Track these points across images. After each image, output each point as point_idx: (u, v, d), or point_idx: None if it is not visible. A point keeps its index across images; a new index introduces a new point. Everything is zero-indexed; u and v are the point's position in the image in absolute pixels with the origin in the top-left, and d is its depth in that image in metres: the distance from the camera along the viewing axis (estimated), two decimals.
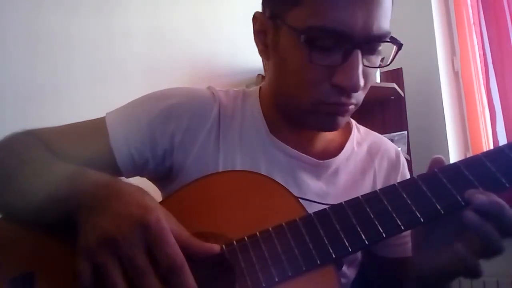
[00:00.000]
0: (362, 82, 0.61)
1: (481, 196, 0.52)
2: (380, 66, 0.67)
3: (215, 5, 2.05)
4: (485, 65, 2.24)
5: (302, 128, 0.73)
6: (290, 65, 0.64)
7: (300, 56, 0.62)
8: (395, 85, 2.12)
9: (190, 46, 1.92)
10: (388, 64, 0.67)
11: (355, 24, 0.58)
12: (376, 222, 0.54)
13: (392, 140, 2.13)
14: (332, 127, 0.69)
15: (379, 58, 0.66)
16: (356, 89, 0.61)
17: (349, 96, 0.63)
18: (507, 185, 0.54)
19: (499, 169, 0.55)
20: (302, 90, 0.64)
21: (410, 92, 2.27)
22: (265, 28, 0.68)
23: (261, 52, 0.71)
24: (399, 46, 0.65)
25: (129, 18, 1.68)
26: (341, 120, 0.67)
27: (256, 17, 0.70)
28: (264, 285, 0.51)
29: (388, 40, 0.63)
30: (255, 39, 0.71)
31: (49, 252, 0.56)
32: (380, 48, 0.64)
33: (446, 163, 0.58)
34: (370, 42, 0.61)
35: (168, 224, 0.50)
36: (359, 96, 0.66)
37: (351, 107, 0.66)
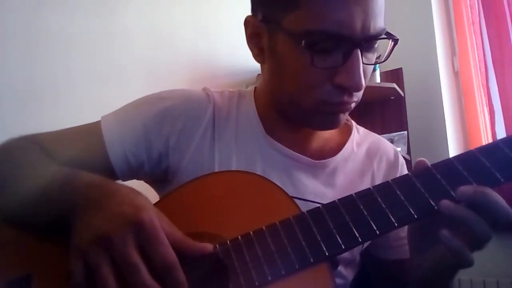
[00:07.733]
0: (363, 81, 0.62)
1: (463, 188, 0.52)
2: (376, 63, 0.68)
3: (215, 5, 2.04)
4: (484, 65, 2.24)
5: (300, 127, 0.73)
6: (289, 69, 0.64)
7: (300, 60, 0.62)
8: (395, 85, 2.12)
9: (190, 46, 1.91)
10: (385, 60, 0.67)
11: (354, 25, 0.59)
12: (369, 219, 0.54)
13: (392, 140, 2.13)
14: (334, 125, 0.69)
15: (375, 54, 0.66)
16: (359, 88, 0.62)
17: (351, 95, 0.64)
18: (502, 180, 0.54)
19: (493, 163, 0.55)
20: (304, 92, 0.64)
21: (410, 92, 2.27)
22: (259, 32, 0.68)
23: (256, 56, 0.71)
24: (395, 41, 0.65)
25: (129, 18, 1.68)
26: (342, 117, 0.68)
27: (248, 21, 0.69)
28: (257, 283, 0.51)
29: (385, 36, 0.64)
30: (248, 43, 0.71)
31: (46, 253, 0.56)
32: (376, 45, 0.65)
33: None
34: (368, 40, 0.61)
35: (160, 224, 0.50)
36: (359, 93, 0.66)
37: (353, 104, 0.67)
